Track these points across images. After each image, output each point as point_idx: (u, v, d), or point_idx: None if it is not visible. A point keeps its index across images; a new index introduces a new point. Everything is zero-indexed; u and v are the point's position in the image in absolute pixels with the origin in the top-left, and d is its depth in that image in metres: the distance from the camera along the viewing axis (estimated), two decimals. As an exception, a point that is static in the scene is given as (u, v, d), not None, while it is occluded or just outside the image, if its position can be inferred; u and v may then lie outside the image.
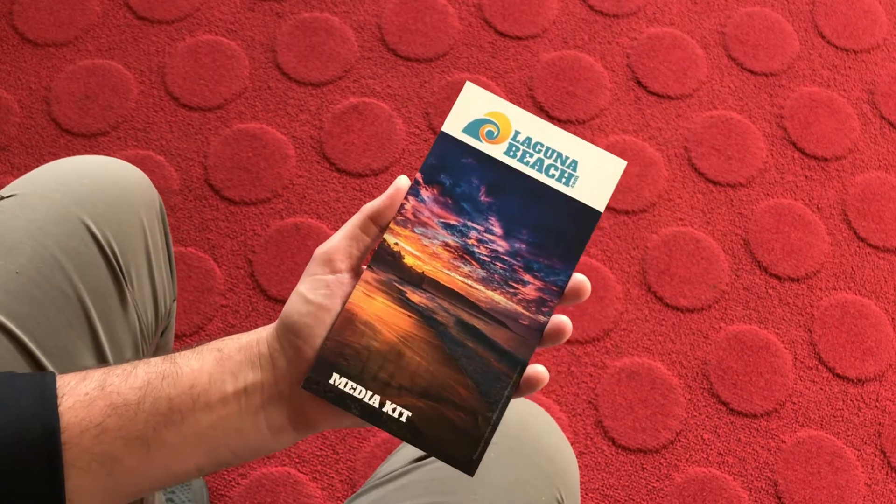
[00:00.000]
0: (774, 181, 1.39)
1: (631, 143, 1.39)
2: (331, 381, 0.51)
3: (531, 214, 0.55)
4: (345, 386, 0.52)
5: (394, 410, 0.52)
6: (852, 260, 1.34)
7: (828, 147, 1.42)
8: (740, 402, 1.23)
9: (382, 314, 0.53)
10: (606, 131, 1.40)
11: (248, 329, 1.26)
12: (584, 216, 0.55)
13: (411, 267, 0.54)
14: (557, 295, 0.53)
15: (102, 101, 1.36)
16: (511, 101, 1.41)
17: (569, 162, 0.56)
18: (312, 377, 0.51)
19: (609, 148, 1.38)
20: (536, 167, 0.55)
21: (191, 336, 1.21)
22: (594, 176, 0.55)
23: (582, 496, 1.17)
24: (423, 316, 0.53)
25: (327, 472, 1.15)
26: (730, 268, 1.32)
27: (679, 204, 1.36)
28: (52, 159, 1.18)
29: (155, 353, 0.78)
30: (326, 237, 1.28)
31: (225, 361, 0.50)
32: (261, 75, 1.40)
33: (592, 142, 1.38)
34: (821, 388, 1.25)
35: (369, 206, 0.53)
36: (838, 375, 1.26)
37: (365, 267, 0.54)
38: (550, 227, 0.55)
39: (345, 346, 0.52)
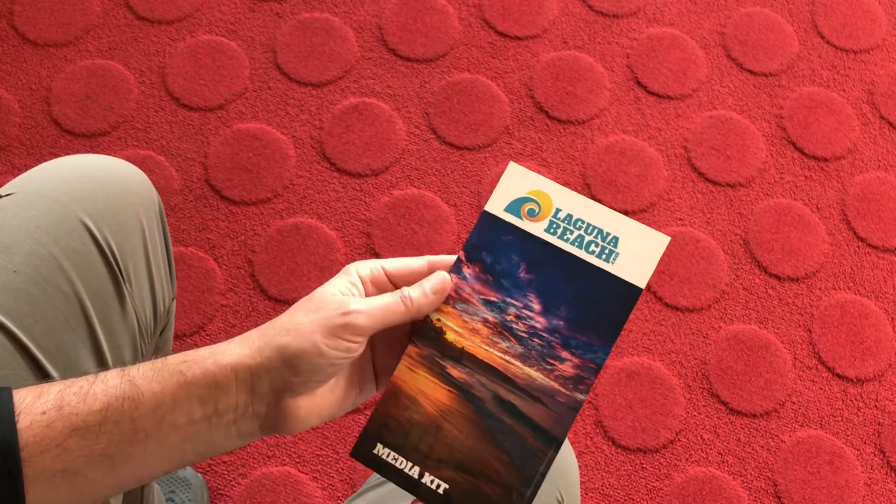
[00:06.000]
0: (774, 181, 1.39)
1: (631, 143, 1.39)
2: (375, 451, 0.53)
3: (570, 291, 0.55)
4: (387, 456, 0.53)
5: (432, 482, 0.53)
6: (852, 260, 1.34)
7: (827, 147, 1.42)
8: (740, 401, 1.23)
9: (424, 388, 0.54)
10: (606, 131, 1.40)
11: (248, 329, 1.26)
12: (623, 293, 0.54)
13: (452, 342, 0.55)
14: (595, 372, 0.53)
15: (103, 101, 1.36)
16: (511, 101, 1.41)
17: (609, 238, 0.55)
18: (360, 446, 0.53)
19: (609, 148, 1.38)
20: (577, 243, 0.56)
21: (191, 336, 1.21)
22: (635, 252, 0.55)
23: (582, 496, 1.17)
24: (461, 391, 0.54)
25: (327, 471, 1.15)
26: (730, 268, 1.32)
27: (679, 204, 1.36)
28: (53, 159, 1.19)
29: (154, 352, 0.78)
30: (326, 237, 1.28)
31: (189, 386, 0.49)
32: (261, 75, 1.40)
33: (592, 142, 1.39)
34: (820, 388, 1.25)
35: (417, 307, 0.54)
36: (838, 375, 1.26)
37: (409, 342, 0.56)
38: (589, 304, 0.55)
39: (389, 417, 0.54)
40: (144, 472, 0.50)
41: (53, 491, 0.47)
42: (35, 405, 0.47)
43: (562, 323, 0.54)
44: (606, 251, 0.55)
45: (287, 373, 0.50)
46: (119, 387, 0.48)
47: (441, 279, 0.55)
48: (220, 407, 0.49)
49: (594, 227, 0.56)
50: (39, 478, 0.46)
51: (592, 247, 0.55)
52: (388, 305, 0.52)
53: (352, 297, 0.52)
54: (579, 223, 0.56)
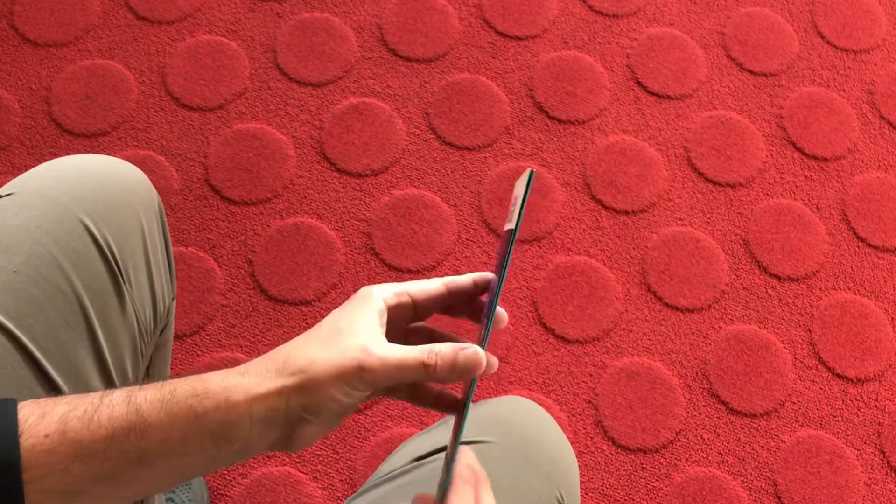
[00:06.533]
0: (774, 181, 1.39)
1: (631, 143, 1.39)
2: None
3: (498, 265, 0.55)
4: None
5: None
6: (852, 260, 1.34)
7: (827, 147, 1.42)
8: (740, 401, 1.23)
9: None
10: (606, 131, 1.40)
11: (248, 329, 1.25)
12: (506, 241, 0.54)
13: None
14: (480, 321, 0.53)
15: (103, 101, 1.36)
16: (511, 101, 1.41)
17: (519, 202, 0.55)
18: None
19: (609, 148, 1.38)
20: (510, 222, 0.56)
21: (191, 336, 1.21)
22: (519, 201, 0.54)
23: (582, 496, 1.17)
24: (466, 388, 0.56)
25: (327, 471, 1.15)
26: (729, 268, 1.32)
27: (679, 204, 1.36)
28: (53, 159, 1.19)
29: (155, 352, 0.78)
30: (327, 237, 1.28)
31: (200, 421, 0.48)
32: (261, 75, 1.40)
33: (592, 142, 1.39)
34: (820, 388, 1.25)
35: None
36: (838, 375, 1.26)
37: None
38: (497, 267, 0.55)
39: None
40: (150, 489, 0.49)
41: None
42: (38, 426, 0.46)
43: (487, 295, 0.56)
44: (515, 214, 0.55)
45: (303, 413, 0.49)
46: (125, 417, 0.47)
47: (476, 360, 0.51)
48: (232, 438, 0.49)
49: (518, 199, 0.56)
50: (41, 497, 0.46)
51: (513, 216, 0.56)
52: (404, 363, 0.50)
53: (373, 338, 0.51)
54: (516, 203, 0.57)
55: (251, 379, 0.49)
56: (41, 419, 0.47)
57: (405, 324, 0.57)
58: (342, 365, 0.49)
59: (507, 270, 0.53)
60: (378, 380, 0.49)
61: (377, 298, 0.53)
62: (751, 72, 1.47)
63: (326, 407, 0.49)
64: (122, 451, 0.47)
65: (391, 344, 0.51)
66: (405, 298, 0.54)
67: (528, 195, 0.53)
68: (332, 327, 0.51)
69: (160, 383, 0.49)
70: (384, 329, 0.52)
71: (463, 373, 0.51)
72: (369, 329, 0.51)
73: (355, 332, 0.51)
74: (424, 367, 0.50)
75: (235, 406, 0.48)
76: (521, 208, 0.52)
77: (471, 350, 0.51)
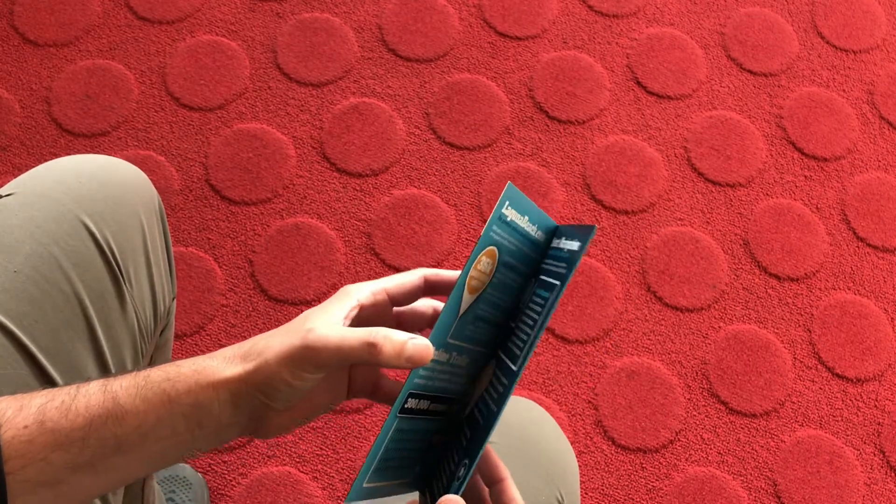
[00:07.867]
0: (774, 181, 1.39)
1: (630, 143, 1.39)
2: None
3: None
4: None
5: None
6: (852, 260, 1.34)
7: (827, 147, 1.42)
8: (740, 401, 1.23)
9: None
10: (606, 131, 1.40)
11: (248, 329, 1.25)
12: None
13: None
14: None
15: (103, 101, 1.36)
16: (511, 101, 1.41)
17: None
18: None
19: (608, 148, 1.38)
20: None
21: (191, 336, 1.21)
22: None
23: (582, 496, 1.17)
24: None
25: (327, 471, 1.15)
26: (729, 268, 1.32)
27: (679, 204, 1.36)
28: (53, 159, 1.18)
29: (155, 352, 0.78)
30: (327, 237, 1.28)
31: (173, 404, 0.49)
32: (261, 75, 1.40)
33: (592, 142, 1.39)
34: (820, 388, 1.25)
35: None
36: (837, 375, 1.26)
37: None
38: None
39: None
40: (128, 477, 0.50)
41: (38, 499, 0.47)
42: (16, 418, 0.47)
43: None
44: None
45: (261, 396, 0.50)
46: (102, 405, 0.48)
47: (425, 351, 0.49)
48: (204, 421, 0.50)
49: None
50: (22, 487, 0.47)
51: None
52: (346, 340, 0.49)
53: (323, 321, 0.51)
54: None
55: (219, 363, 0.51)
56: (19, 411, 0.48)
57: (392, 325, 0.56)
58: (290, 345, 0.49)
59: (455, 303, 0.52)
60: (322, 358, 0.49)
61: (352, 296, 0.53)
62: (751, 72, 1.47)
63: (279, 389, 0.49)
64: (99, 438, 0.48)
65: (340, 326, 0.51)
66: (381, 296, 0.54)
67: (493, 219, 0.51)
68: (300, 319, 0.52)
69: (136, 372, 0.51)
70: (348, 322, 0.52)
71: (409, 360, 0.49)
72: (327, 316, 0.51)
73: (314, 321, 0.51)
74: (368, 347, 0.49)
75: (205, 388, 0.50)
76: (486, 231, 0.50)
77: (421, 340, 0.50)
